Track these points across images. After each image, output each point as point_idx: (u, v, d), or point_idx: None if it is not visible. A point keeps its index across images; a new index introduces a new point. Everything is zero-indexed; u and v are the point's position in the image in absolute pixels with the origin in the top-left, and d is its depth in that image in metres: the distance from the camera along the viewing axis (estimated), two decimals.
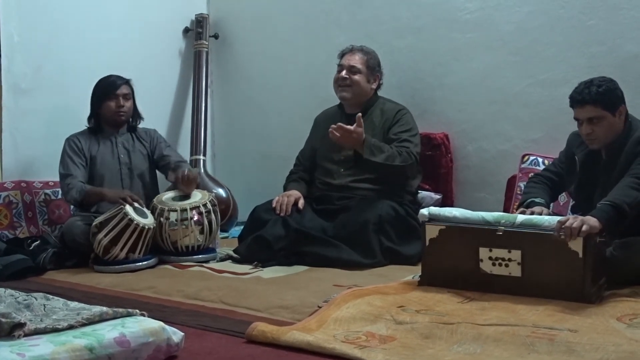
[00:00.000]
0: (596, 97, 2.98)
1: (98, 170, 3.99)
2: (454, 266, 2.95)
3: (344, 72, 3.99)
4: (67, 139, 3.98)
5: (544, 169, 3.51)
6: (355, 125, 3.71)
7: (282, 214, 3.77)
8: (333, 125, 3.73)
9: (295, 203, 3.86)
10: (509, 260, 2.82)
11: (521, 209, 3.15)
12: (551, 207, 3.56)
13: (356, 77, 3.98)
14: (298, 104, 4.89)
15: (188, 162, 4.54)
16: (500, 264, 2.84)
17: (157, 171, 4.22)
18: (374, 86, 4.05)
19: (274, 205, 3.84)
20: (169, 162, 4.11)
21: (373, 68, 4.03)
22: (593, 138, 3.06)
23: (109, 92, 3.98)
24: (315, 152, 4.13)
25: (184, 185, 3.88)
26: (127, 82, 4.04)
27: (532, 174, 3.54)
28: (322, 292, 2.93)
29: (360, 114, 3.77)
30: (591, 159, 3.15)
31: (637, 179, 2.87)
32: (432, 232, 3.00)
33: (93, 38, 4.57)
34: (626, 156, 3.00)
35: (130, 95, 4.05)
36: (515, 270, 2.82)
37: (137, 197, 3.76)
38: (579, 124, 3.09)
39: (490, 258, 2.86)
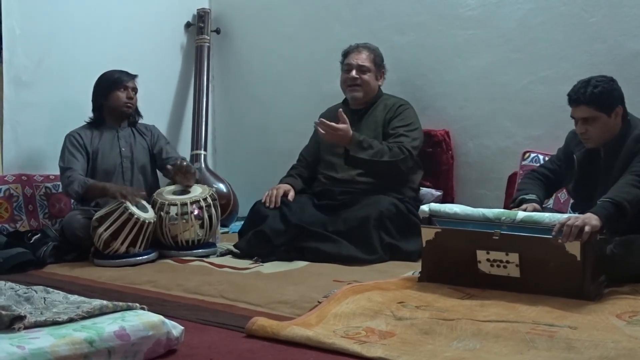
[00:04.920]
0: (590, 98, 2.98)
1: (100, 164, 3.99)
2: (452, 265, 2.94)
3: (353, 72, 3.98)
4: (68, 135, 3.98)
5: (540, 165, 3.51)
6: (339, 122, 3.69)
7: (270, 206, 3.79)
8: (316, 120, 3.72)
9: (285, 195, 3.87)
10: (507, 262, 2.80)
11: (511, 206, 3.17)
12: (551, 204, 3.57)
13: (366, 76, 3.98)
14: (299, 99, 4.89)
15: (188, 158, 4.54)
16: (498, 266, 2.83)
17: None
18: (380, 83, 4.06)
19: (263, 200, 3.86)
20: (167, 158, 4.10)
21: (380, 65, 4.05)
22: (587, 137, 3.07)
23: (120, 83, 4.00)
24: (319, 147, 4.13)
25: (180, 176, 3.86)
26: (136, 77, 4.07)
27: (529, 170, 3.54)
28: (322, 287, 2.93)
29: (341, 110, 3.76)
30: (590, 158, 3.14)
31: (638, 176, 2.87)
32: (428, 234, 2.98)
33: (95, 32, 4.58)
34: (625, 154, 3.00)
35: (137, 91, 4.08)
36: (513, 272, 2.80)
37: (139, 193, 3.76)
38: (575, 122, 3.10)
39: (488, 260, 2.84)
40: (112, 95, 4.01)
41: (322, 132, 3.73)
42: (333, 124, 3.71)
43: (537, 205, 3.11)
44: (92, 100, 4.07)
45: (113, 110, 4.04)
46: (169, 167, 3.97)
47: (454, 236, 2.94)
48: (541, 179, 3.32)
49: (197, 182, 4.04)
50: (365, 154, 3.74)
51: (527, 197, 3.17)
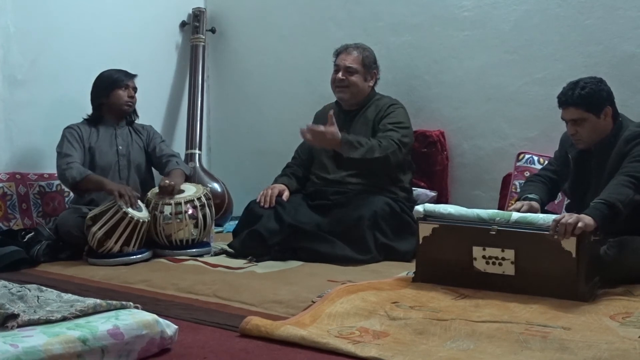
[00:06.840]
0: (578, 99, 3.02)
1: (96, 161, 3.98)
2: (447, 264, 2.95)
3: (340, 74, 3.96)
4: (67, 127, 3.98)
5: (541, 169, 3.52)
6: (327, 124, 3.67)
7: (265, 206, 3.78)
8: (302, 128, 3.70)
9: (280, 195, 3.87)
10: (503, 259, 2.82)
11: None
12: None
13: (353, 77, 3.95)
14: (294, 99, 4.89)
15: (182, 157, 4.53)
16: (493, 263, 2.84)
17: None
18: (371, 84, 4.04)
19: (258, 199, 3.85)
20: (161, 156, 4.12)
21: (369, 66, 4.01)
22: (578, 139, 3.11)
23: (122, 82, 4.01)
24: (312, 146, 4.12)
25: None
26: (135, 76, 4.08)
27: (530, 173, 3.55)
28: (316, 287, 2.93)
29: (332, 112, 3.73)
30: (583, 158, 3.17)
31: (629, 177, 2.88)
32: (425, 230, 3.00)
33: (90, 31, 4.57)
34: (616, 155, 3.02)
35: (137, 90, 4.09)
36: (508, 269, 2.81)
37: (134, 195, 3.73)
38: (566, 124, 3.13)
39: (483, 257, 2.85)
40: (114, 93, 4.01)
41: (310, 138, 3.70)
42: (319, 126, 3.69)
43: (534, 204, 3.11)
44: (92, 99, 4.06)
45: (113, 109, 4.05)
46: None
47: (451, 232, 2.95)
48: (544, 181, 3.34)
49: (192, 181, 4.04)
50: (357, 153, 3.70)
51: (530, 195, 3.19)
